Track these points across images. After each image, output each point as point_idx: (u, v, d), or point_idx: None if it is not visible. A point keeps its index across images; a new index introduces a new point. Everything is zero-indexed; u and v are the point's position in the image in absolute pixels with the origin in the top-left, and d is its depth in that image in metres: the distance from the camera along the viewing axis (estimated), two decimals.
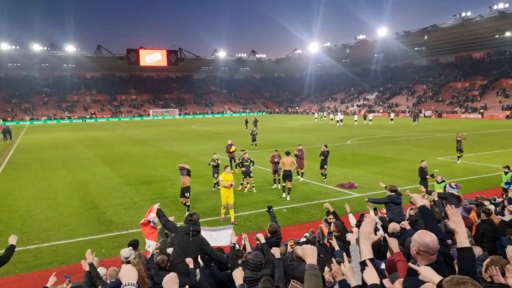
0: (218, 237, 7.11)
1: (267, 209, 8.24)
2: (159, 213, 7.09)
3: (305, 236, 8.44)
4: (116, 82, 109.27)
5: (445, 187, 11.63)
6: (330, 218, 7.80)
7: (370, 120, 57.85)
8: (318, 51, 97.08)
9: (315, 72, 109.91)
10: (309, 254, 3.71)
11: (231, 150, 20.50)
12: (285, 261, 5.93)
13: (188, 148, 31.61)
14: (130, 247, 6.46)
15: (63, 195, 16.91)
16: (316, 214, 13.04)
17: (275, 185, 17.13)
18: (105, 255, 9.65)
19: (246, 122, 50.50)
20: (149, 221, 7.18)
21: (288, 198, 15.20)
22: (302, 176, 18.68)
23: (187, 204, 13.54)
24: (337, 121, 56.81)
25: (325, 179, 18.06)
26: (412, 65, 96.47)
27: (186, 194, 13.46)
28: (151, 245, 7.07)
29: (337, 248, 5.89)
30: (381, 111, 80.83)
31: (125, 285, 2.97)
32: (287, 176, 15.25)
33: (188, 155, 27.04)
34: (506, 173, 13.33)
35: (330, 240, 6.35)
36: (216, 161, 16.85)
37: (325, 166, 18.12)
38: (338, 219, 7.55)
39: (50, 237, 11.65)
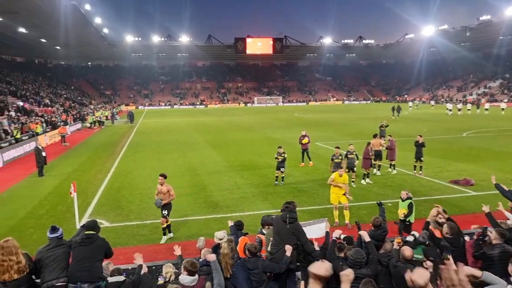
0: (311, 230, 6.99)
1: (377, 204, 7.90)
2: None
3: (413, 235, 7.90)
4: (223, 70, 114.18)
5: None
6: (439, 218, 7.19)
7: (486, 109, 52.12)
8: (432, 34, 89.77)
9: (428, 57, 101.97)
10: (421, 279, 3.46)
11: (303, 142, 19.70)
12: (391, 260, 5.63)
13: (290, 135, 31.78)
14: (225, 231, 6.67)
15: (175, 176, 18.21)
16: (425, 211, 12.15)
17: (362, 181, 16.19)
18: (211, 235, 10.18)
19: (393, 109, 49.69)
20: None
21: (378, 173, 17.37)
22: (394, 168, 17.79)
23: (167, 223, 10.71)
24: (448, 110, 52.43)
25: (418, 172, 17.18)
26: None
27: (164, 212, 10.52)
28: None
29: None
30: (506, 100, 72.15)
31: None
32: (378, 155, 17.25)
33: (290, 142, 27.19)
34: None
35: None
36: (282, 155, 15.95)
37: (421, 158, 17.02)
38: (453, 221, 6.90)
39: None
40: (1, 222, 12.36)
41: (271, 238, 6.42)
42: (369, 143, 16.70)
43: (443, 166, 18.75)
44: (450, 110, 52.97)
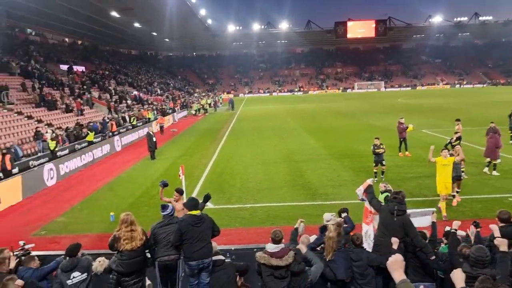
0: (416, 221, 6.53)
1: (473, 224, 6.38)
2: (369, 189, 6.79)
3: None
4: (323, 55, 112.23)
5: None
6: None
7: None
8: None
9: None
10: None
11: (408, 130, 18.24)
12: None
13: (392, 122, 30.23)
14: (333, 213, 6.53)
15: (274, 162, 18.57)
16: None
17: (485, 169, 14.68)
18: (310, 222, 10.16)
19: None
20: (362, 200, 7.02)
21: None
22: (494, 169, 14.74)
23: None
24: None
25: None
26: None
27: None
28: (367, 231, 6.86)
29: None
30: None
31: None
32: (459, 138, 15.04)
33: (391, 129, 25.89)
34: None
35: None
36: (381, 147, 14.38)
37: None
38: None
39: (263, 198, 13.01)
40: (122, 199, 13.82)
41: (377, 227, 6.18)
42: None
43: None
44: None
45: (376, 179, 14.29)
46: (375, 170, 14.76)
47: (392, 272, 2.94)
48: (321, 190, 13.62)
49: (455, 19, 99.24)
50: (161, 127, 33.22)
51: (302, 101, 65.17)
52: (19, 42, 45.06)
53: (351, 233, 6.07)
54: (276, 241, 5.20)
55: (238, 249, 7.07)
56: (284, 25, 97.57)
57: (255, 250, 6.22)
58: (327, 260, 5.44)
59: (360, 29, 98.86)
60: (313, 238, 6.21)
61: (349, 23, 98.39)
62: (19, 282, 4.53)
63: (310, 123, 33.15)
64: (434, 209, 6.92)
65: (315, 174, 15.83)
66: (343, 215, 6.50)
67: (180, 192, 8.60)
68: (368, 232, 6.78)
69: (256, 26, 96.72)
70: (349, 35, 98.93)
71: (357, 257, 5.43)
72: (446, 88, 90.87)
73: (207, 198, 7.16)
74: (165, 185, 8.62)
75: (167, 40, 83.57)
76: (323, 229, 6.05)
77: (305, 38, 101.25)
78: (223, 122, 37.96)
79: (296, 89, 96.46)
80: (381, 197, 8.82)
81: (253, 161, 19.01)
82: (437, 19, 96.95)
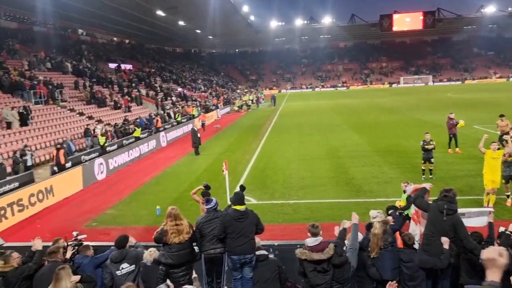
0: (470, 221, 6.19)
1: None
2: (421, 191, 6.48)
3: None
4: (367, 50, 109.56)
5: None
6: None
7: None
8: None
9: None
10: None
11: (458, 126, 17.37)
12: None
13: (440, 118, 29.03)
14: (380, 210, 6.35)
15: (317, 158, 18.38)
16: None
17: None
18: None
19: None
20: (404, 191, 6.80)
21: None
22: None
23: None
24: None
25: None
26: None
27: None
28: (415, 230, 6.63)
29: None
30: None
31: None
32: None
33: (440, 125, 24.87)
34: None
35: None
36: (431, 143, 13.57)
37: None
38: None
39: (306, 195, 12.91)
40: (167, 194, 14.20)
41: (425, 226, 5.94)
42: None
43: None
44: None
45: (424, 176, 13.90)
46: (423, 168, 14.12)
47: (486, 269, 2.59)
48: (365, 187, 13.32)
49: (509, 9, 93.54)
50: (203, 124, 33.25)
51: (345, 96, 64.05)
52: (71, 43, 47.37)
53: (400, 233, 5.86)
54: (314, 233, 5.14)
55: (281, 244, 7.05)
56: (327, 20, 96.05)
57: (298, 246, 6.19)
58: (372, 257, 5.29)
59: (406, 21, 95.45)
60: (360, 237, 6.08)
61: (395, 16, 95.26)
62: (75, 277, 4.74)
63: (354, 118, 32.52)
64: (491, 209, 6.57)
65: (359, 171, 15.51)
66: (391, 211, 6.30)
67: (207, 197, 7.80)
68: (415, 231, 6.56)
69: (298, 21, 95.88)
70: (395, 28, 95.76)
71: (408, 259, 5.20)
72: (499, 81, 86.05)
73: (242, 189, 7.13)
74: (206, 187, 8.52)
75: (210, 37, 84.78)
76: (369, 226, 5.91)
77: (348, 32, 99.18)
78: (265, 118, 38.03)
79: (339, 85, 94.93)
80: (404, 196, 8.46)
81: (295, 157, 18.91)
82: (490, 9, 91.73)
